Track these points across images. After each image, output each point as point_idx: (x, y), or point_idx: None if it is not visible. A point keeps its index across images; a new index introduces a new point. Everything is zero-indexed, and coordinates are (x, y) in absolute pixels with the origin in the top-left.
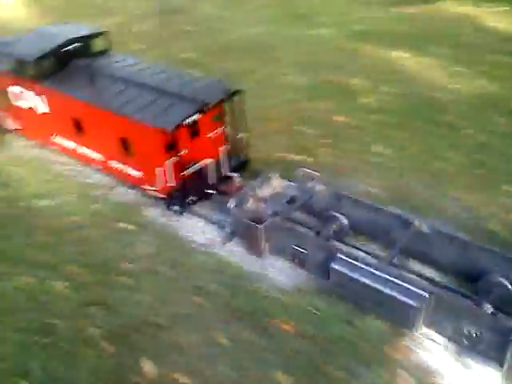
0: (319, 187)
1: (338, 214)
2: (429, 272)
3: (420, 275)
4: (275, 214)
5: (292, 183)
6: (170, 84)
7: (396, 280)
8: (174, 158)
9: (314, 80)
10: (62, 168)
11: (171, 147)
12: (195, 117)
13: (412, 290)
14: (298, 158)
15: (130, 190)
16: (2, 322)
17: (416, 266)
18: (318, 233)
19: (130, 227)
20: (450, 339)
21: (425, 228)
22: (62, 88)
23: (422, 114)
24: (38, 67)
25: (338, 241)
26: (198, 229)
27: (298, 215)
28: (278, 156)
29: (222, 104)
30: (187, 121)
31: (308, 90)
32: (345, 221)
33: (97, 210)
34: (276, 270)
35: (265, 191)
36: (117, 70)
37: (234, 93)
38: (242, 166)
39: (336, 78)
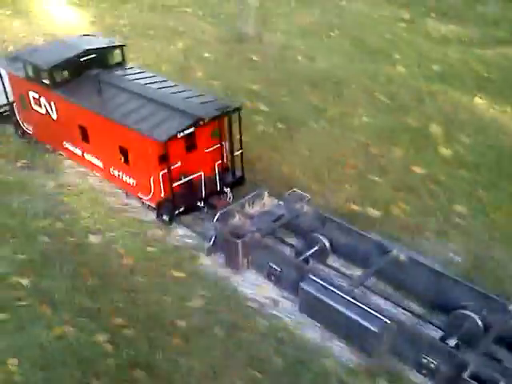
0: (306, 208)
1: (320, 236)
2: (404, 300)
3: (392, 301)
4: (258, 230)
5: (281, 203)
6: (172, 98)
7: (360, 304)
8: (166, 170)
9: (389, 122)
10: (117, 202)
11: (164, 158)
12: (189, 130)
13: (374, 315)
14: (370, 212)
15: (187, 233)
16: (36, 377)
17: (393, 293)
18: (298, 253)
19: (185, 276)
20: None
21: (402, 257)
22: (71, 96)
23: (510, 171)
24: (51, 75)
25: (318, 262)
26: (257, 285)
27: (284, 234)
28: (347, 207)
29: (221, 121)
30: (180, 134)
31: (382, 133)
32: (327, 243)
33: (151, 253)
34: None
35: (254, 208)
36: (125, 82)
37: (233, 110)
38: (237, 182)
39: (413, 121)
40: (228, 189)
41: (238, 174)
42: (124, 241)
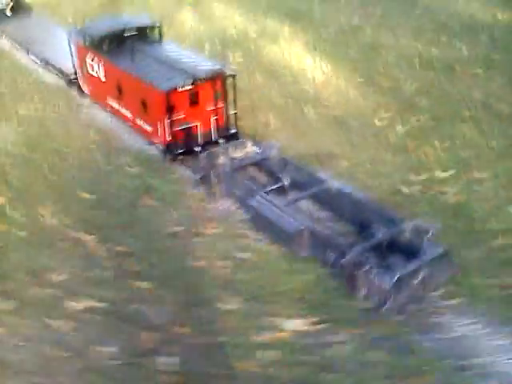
0: (274, 152)
1: (282, 175)
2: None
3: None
4: (230, 165)
5: (259, 150)
6: (184, 63)
7: (285, 215)
8: (171, 118)
9: None
10: None
11: (170, 108)
12: (188, 86)
13: (294, 223)
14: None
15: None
16: None
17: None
18: (263, 187)
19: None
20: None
21: (333, 185)
22: (113, 60)
23: None
24: (101, 44)
25: (279, 195)
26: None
27: (255, 173)
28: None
29: (221, 84)
30: (180, 88)
31: None
32: (286, 181)
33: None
34: None
35: (236, 153)
36: (153, 51)
37: (230, 75)
38: (231, 136)
39: None
40: (222, 140)
41: (233, 130)
42: None
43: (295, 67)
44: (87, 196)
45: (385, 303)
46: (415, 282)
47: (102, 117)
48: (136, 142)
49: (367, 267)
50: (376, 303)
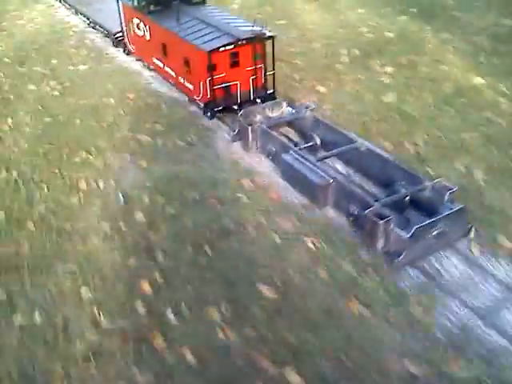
0: (307, 113)
1: (314, 134)
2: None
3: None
4: (265, 123)
5: (294, 110)
6: (226, 25)
7: (316, 168)
8: (211, 77)
9: None
10: None
11: (211, 67)
12: (229, 46)
13: (323, 176)
14: None
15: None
16: None
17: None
18: (295, 144)
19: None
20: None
21: (363, 146)
22: (158, 21)
23: None
24: (148, 5)
25: (310, 153)
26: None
27: (289, 131)
28: None
29: (261, 46)
30: (221, 48)
31: None
32: (318, 140)
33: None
34: None
35: (272, 112)
36: (197, 13)
37: (268, 37)
38: (269, 96)
39: None
40: (259, 100)
41: (270, 90)
42: None
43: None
44: None
45: (400, 255)
46: (431, 236)
47: None
48: None
49: (387, 219)
50: (391, 254)
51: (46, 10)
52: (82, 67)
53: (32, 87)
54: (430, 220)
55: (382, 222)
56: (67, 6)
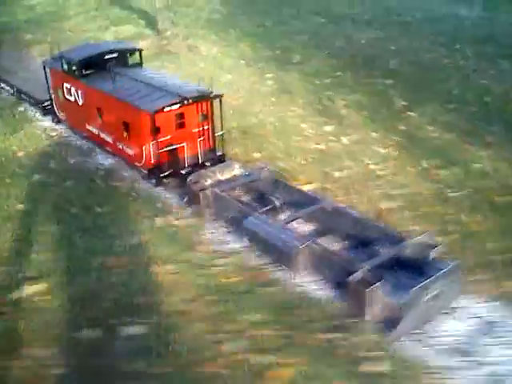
0: (264, 174)
1: (273, 197)
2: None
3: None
4: (218, 187)
5: (246, 172)
6: (168, 85)
7: (282, 234)
8: (155, 141)
9: None
10: None
11: (155, 130)
12: (175, 106)
13: (291, 242)
14: None
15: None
16: None
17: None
18: (254, 208)
19: None
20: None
21: (329, 205)
22: (92, 83)
23: None
24: (80, 68)
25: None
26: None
27: (244, 195)
28: None
29: (206, 107)
30: (166, 108)
31: None
32: (277, 202)
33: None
34: None
35: (224, 175)
36: (134, 75)
37: (215, 96)
38: (218, 159)
39: None
40: (208, 163)
41: (219, 153)
42: None
43: None
44: None
45: (395, 324)
46: (427, 300)
47: None
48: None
49: (376, 285)
50: (385, 324)
51: None
52: None
53: None
54: (424, 283)
55: (369, 290)
56: None
